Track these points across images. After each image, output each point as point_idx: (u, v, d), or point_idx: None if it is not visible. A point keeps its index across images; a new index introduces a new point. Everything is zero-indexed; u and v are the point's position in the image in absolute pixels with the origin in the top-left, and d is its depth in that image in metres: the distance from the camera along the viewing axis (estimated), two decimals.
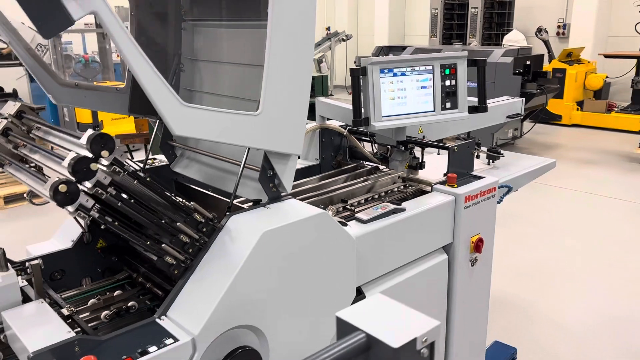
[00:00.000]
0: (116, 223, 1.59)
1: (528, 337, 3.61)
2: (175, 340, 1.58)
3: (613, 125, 10.41)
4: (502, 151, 3.29)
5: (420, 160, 2.85)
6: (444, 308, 2.64)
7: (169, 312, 1.70)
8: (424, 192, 2.71)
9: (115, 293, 2.09)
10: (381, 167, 2.96)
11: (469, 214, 2.55)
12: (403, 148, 2.84)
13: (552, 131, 10.38)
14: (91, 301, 2.03)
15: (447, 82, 2.34)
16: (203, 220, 1.76)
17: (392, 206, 2.28)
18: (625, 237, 5.36)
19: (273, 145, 1.80)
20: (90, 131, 1.48)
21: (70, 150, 1.67)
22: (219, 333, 1.66)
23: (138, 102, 2.41)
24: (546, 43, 11.11)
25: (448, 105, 2.36)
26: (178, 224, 1.70)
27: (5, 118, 1.94)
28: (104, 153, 1.47)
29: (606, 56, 10.35)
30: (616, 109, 10.68)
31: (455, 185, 2.58)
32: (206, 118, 1.61)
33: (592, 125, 10.60)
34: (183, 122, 1.56)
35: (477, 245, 2.63)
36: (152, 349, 1.54)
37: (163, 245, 1.68)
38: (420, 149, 2.88)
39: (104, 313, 1.94)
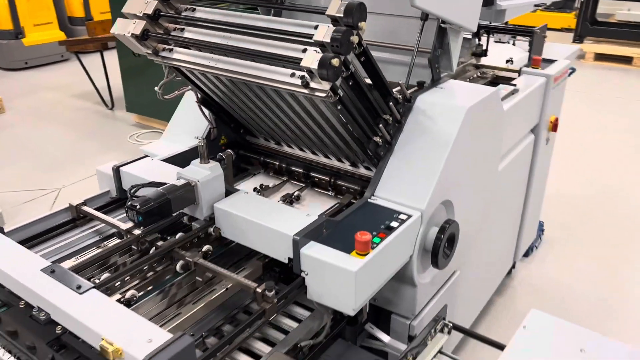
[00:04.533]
0: (352, 103, 1.53)
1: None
2: (408, 215, 1.61)
3: (539, 23, 11.00)
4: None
5: (484, 48, 2.92)
6: (525, 187, 2.84)
7: (379, 192, 1.71)
8: (499, 78, 2.80)
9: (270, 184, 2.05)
10: None
11: (554, 94, 2.71)
12: (473, 35, 2.87)
13: None
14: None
15: None
16: (400, 101, 1.74)
17: (511, 87, 2.37)
18: (590, 122, 5.88)
19: (465, 20, 1.78)
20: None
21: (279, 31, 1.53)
22: (434, 208, 1.71)
23: None
24: None
25: None
26: (390, 104, 1.67)
27: None
28: (362, 24, 1.39)
29: None
30: (540, 8, 11.26)
31: (540, 68, 2.69)
32: None
33: (520, 24, 11.13)
34: None
35: (555, 125, 2.82)
36: (394, 224, 1.57)
37: (380, 125, 1.65)
38: (486, 35, 2.94)
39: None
